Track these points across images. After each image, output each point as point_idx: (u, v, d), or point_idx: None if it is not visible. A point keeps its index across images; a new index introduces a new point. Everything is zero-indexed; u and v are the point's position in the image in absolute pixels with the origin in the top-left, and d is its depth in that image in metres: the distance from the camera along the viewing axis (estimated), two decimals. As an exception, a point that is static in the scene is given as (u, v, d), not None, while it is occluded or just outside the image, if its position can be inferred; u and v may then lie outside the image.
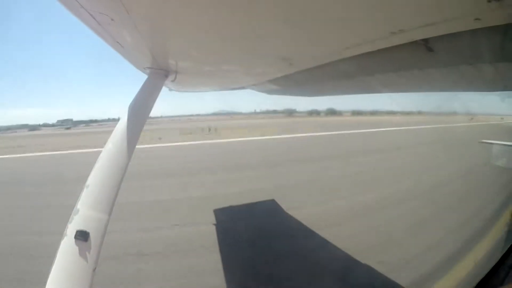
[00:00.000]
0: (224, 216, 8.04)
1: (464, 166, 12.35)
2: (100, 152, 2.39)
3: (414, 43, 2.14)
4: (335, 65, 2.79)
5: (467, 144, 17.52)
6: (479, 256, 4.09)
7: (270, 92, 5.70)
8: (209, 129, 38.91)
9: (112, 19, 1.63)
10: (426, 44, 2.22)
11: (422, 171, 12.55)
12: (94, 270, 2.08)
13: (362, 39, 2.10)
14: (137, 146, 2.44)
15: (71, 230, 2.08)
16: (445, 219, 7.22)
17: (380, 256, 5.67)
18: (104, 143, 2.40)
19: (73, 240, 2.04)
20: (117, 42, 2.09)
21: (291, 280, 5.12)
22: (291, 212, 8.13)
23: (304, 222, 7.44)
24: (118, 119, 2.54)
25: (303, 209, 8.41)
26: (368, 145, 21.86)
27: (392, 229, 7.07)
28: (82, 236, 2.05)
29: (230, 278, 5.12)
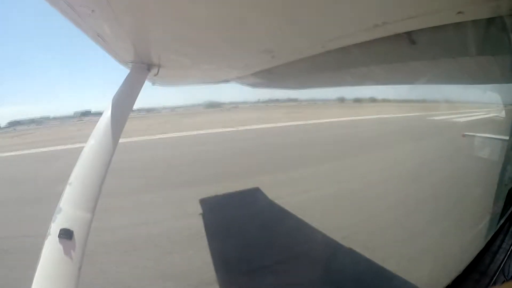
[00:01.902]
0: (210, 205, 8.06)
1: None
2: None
3: (397, 36, 2.14)
4: (318, 58, 2.79)
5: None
6: (464, 243, 4.17)
7: (254, 85, 5.68)
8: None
9: (92, 11, 1.58)
10: (409, 37, 2.23)
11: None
12: (79, 269, 2.05)
13: (346, 32, 2.09)
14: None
15: (54, 229, 2.03)
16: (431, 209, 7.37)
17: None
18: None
19: (57, 239, 2.00)
20: (98, 35, 2.04)
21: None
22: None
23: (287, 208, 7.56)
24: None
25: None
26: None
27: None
28: (66, 235, 2.00)
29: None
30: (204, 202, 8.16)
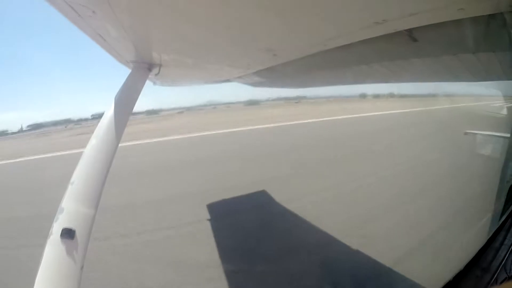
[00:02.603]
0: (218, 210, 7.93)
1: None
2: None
3: (398, 33, 2.14)
4: (320, 56, 2.79)
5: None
6: (466, 239, 4.19)
7: (255, 84, 5.68)
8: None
9: (93, 11, 1.59)
10: (410, 35, 2.24)
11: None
12: (81, 268, 2.05)
13: (346, 30, 2.09)
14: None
15: (56, 228, 2.04)
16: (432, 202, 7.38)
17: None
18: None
19: (59, 239, 2.01)
20: (99, 35, 2.05)
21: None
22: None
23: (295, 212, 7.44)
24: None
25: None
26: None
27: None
28: (68, 234, 2.01)
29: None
30: (210, 207, 8.01)
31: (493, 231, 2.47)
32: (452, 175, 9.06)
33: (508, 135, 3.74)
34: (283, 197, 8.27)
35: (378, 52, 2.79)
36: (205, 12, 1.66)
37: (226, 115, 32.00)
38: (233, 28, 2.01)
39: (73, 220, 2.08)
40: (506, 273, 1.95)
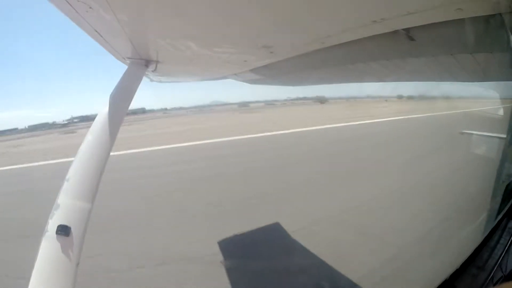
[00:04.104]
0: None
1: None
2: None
3: (395, 32, 2.14)
4: (317, 54, 2.78)
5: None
6: (463, 238, 4.20)
7: (252, 82, 5.65)
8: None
9: (90, 7, 1.58)
10: (408, 34, 2.23)
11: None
12: (77, 265, 2.05)
13: (344, 28, 2.09)
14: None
15: (52, 225, 2.03)
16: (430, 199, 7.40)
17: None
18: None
19: (55, 236, 2.00)
20: (96, 31, 2.03)
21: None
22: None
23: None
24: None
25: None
26: None
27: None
28: (63, 231, 2.00)
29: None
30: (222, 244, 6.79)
31: (489, 230, 2.48)
32: (448, 175, 9.11)
33: (504, 135, 3.76)
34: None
35: (376, 51, 2.79)
36: (202, 8, 1.65)
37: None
38: (230, 25, 2.00)
39: (68, 217, 2.07)
40: (502, 272, 1.96)
